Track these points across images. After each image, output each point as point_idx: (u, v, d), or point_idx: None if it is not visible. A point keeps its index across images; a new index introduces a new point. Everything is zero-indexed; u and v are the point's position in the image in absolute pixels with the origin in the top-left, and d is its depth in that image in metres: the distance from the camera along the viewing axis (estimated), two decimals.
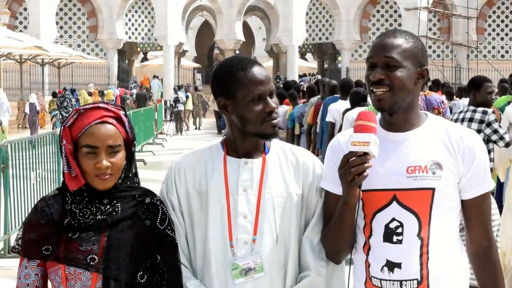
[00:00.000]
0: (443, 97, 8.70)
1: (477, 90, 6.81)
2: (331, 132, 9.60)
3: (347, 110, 8.78)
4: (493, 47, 39.25)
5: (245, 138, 2.49)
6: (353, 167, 2.24)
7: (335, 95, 10.08)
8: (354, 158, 2.25)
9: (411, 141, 2.38)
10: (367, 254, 2.41)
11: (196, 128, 29.08)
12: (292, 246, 2.49)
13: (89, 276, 2.32)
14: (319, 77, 28.63)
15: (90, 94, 29.19)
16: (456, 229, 2.43)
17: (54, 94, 25.09)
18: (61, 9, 37.76)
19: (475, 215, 2.42)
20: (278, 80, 33.49)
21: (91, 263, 2.32)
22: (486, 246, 2.43)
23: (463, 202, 2.41)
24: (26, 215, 8.37)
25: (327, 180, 2.48)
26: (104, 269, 2.32)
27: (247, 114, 2.44)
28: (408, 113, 2.40)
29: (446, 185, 2.35)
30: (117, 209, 2.38)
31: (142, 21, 39.88)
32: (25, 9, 36.98)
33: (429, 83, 8.76)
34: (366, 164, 2.24)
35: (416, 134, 2.39)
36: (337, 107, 9.49)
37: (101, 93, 30.51)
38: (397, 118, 2.39)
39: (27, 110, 22.70)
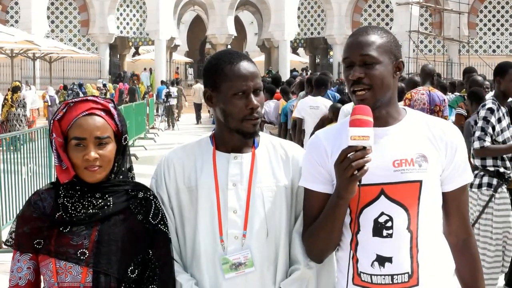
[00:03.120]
0: (445, 96, 8.63)
1: (501, 77, 5.96)
2: (299, 128, 9.64)
3: (338, 104, 8.82)
4: (485, 42, 39.33)
5: (231, 132, 2.49)
6: (354, 161, 2.21)
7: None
8: (354, 152, 2.22)
9: (394, 135, 2.39)
10: (355, 250, 2.39)
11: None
12: (282, 241, 2.49)
13: (79, 270, 2.32)
14: (303, 73, 28.61)
15: (99, 88, 30.14)
16: (440, 221, 2.44)
17: (65, 87, 27.56)
18: (52, 3, 37.61)
19: (455, 207, 2.44)
20: (269, 74, 33.48)
21: (81, 257, 2.32)
22: (465, 238, 2.46)
23: (444, 195, 2.43)
24: (18, 210, 8.41)
25: (309, 178, 2.45)
26: (94, 263, 2.32)
27: (228, 108, 2.44)
28: (389, 108, 2.40)
29: (432, 177, 2.36)
30: (109, 203, 2.38)
31: (134, 15, 39.76)
32: (16, 3, 36.80)
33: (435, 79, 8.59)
34: (366, 158, 2.22)
35: (399, 128, 2.40)
36: (302, 103, 9.56)
37: (104, 87, 31.46)
38: (379, 113, 2.38)
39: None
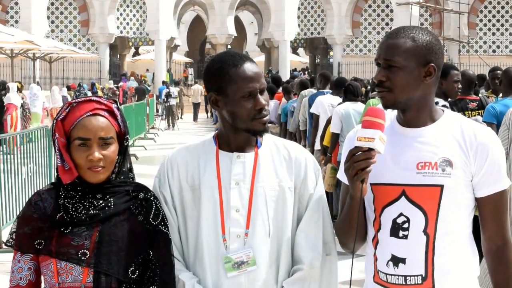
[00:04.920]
0: None
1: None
2: (315, 124, 9.63)
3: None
4: (485, 42, 39.35)
5: (236, 132, 2.49)
6: (356, 162, 2.25)
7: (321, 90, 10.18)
8: (358, 153, 2.26)
9: (425, 137, 2.38)
10: (375, 248, 2.42)
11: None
12: (284, 240, 2.49)
13: (80, 271, 2.32)
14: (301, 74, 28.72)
15: (111, 89, 31.21)
16: (466, 227, 2.41)
17: (68, 88, 28.87)
18: (52, 4, 37.62)
19: (489, 213, 2.39)
20: (270, 74, 33.50)
21: (82, 258, 2.31)
22: (499, 245, 2.40)
23: (477, 200, 2.39)
24: (18, 210, 8.41)
25: (343, 171, 2.49)
26: (95, 264, 2.32)
27: (237, 110, 2.44)
28: (421, 110, 2.40)
29: (456, 183, 2.33)
30: (110, 204, 2.38)
31: (134, 15, 39.77)
32: (16, 3, 36.81)
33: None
34: (370, 160, 2.25)
35: (431, 130, 2.39)
36: (322, 100, 9.54)
37: (117, 87, 32.51)
38: (410, 115, 2.39)
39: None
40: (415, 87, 2.36)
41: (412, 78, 2.35)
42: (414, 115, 2.40)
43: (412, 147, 2.37)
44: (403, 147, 2.37)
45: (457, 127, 2.39)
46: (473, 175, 2.36)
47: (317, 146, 9.46)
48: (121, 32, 39.29)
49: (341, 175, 2.50)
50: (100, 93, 29.86)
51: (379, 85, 2.38)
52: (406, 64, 2.34)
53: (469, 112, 6.84)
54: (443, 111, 2.46)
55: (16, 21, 36.49)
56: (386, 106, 2.39)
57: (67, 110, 2.38)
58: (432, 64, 2.38)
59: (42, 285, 2.41)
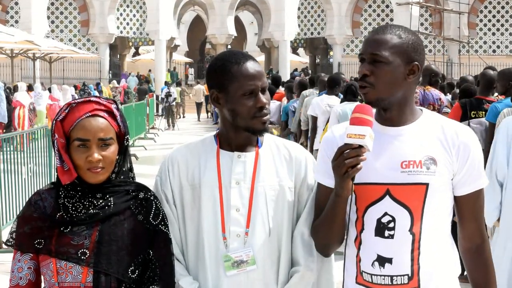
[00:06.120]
0: (442, 95, 8.56)
1: None
2: (313, 126, 9.63)
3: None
4: (485, 42, 39.33)
5: (237, 131, 2.49)
6: (347, 159, 2.22)
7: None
8: (348, 150, 2.23)
9: (406, 136, 2.37)
10: (358, 249, 2.39)
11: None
12: (284, 240, 2.49)
13: (79, 270, 2.32)
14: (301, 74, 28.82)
15: (113, 89, 31.80)
16: (448, 225, 2.42)
17: (75, 87, 29.12)
18: (52, 4, 37.60)
19: (468, 211, 2.41)
20: (270, 74, 33.52)
21: (82, 257, 2.31)
22: (478, 243, 2.42)
23: (456, 199, 2.40)
24: (18, 210, 8.41)
25: (320, 172, 2.47)
26: (95, 263, 2.32)
27: (238, 108, 2.44)
28: (402, 109, 2.39)
29: (440, 181, 2.34)
30: (109, 204, 2.38)
31: (134, 15, 39.75)
32: (16, 3, 36.81)
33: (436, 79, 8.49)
34: (360, 157, 2.22)
35: (411, 129, 2.38)
36: (317, 101, 9.54)
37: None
38: (391, 114, 2.38)
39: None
40: (398, 85, 2.35)
41: (396, 75, 2.34)
42: (395, 114, 2.38)
43: (395, 146, 2.36)
44: (385, 146, 2.36)
45: (438, 126, 2.39)
46: (454, 174, 2.36)
47: (316, 146, 9.46)
48: (121, 32, 39.28)
49: (318, 176, 2.48)
50: (109, 91, 30.00)
51: (362, 79, 2.35)
52: (392, 59, 2.33)
53: (483, 112, 6.80)
54: (421, 110, 2.45)
55: (16, 21, 36.48)
56: (368, 102, 2.36)
57: (66, 111, 2.38)
58: (416, 63, 2.38)
59: (42, 284, 2.41)
